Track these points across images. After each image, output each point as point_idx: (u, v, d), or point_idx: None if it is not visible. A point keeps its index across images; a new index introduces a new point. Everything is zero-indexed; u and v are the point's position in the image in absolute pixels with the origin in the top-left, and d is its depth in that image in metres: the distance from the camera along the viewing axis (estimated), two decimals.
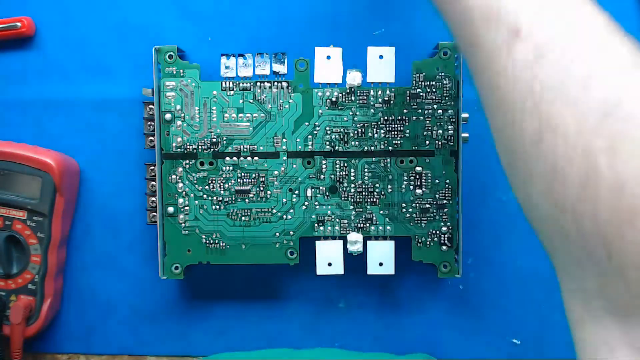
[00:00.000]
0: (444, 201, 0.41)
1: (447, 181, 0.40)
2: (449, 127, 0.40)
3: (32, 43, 0.44)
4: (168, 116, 0.40)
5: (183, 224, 0.41)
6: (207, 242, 0.41)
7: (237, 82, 0.40)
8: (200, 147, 0.40)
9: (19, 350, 0.42)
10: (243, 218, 0.41)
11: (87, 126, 0.44)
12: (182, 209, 0.41)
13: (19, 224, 0.42)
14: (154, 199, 0.41)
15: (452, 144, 0.40)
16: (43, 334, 0.44)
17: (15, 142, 0.42)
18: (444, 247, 0.41)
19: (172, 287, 0.45)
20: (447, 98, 0.40)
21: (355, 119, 0.40)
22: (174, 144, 0.40)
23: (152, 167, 0.41)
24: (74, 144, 0.44)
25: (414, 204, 0.41)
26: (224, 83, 0.40)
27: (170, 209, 0.41)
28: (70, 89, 0.44)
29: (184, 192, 0.41)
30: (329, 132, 0.40)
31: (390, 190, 0.41)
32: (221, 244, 0.41)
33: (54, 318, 0.44)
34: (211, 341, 0.45)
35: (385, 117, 0.40)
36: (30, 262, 0.42)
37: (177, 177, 0.41)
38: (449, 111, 0.40)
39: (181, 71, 0.40)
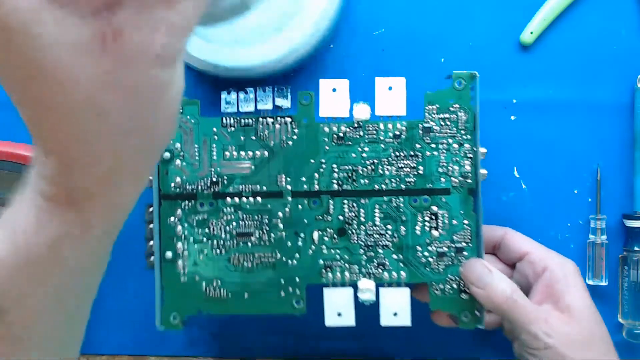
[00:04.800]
0: (463, 244, 0.37)
1: (466, 222, 0.37)
2: (466, 162, 0.37)
3: None
4: (167, 155, 0.38)
5: (181, 271, 0.38)
6: (207, 289, 0.38)
7: (238, 118, 0.38)
8: (200, 187, 0.38)
9: None
10: (245, 264, 0.38)
11: None
12: (181, 254, 0.38)
13: None
14: (152, 242, 0.38)
15: (469, 181, 0.37)
16: None
17: (15, 142, 0.42)
18: (464, 295, 0.37)
19: None
20: (462, 132, 0.37)
21: (364, 155, 0.38)
22: (172, 184, 0.38)
23: (152, 209, 0.39)
24: None
25: (429, 247, 0.37)
26: (224, 119, 0.38)
27: (169, 254, 0.38)
28: None
29: (183, 236, 0.38)
30: (336, 169, 0.38)
31: (403, 232, 0.37)
32: (222, 293, 0.38)
33: None
34: (211, 341, 0.45)
35: (397, 153, 0.37)
36: None
37: (176, 220, 0.38)
38: (465, 145, 0.37)
39: (180, 107, 0.38)
